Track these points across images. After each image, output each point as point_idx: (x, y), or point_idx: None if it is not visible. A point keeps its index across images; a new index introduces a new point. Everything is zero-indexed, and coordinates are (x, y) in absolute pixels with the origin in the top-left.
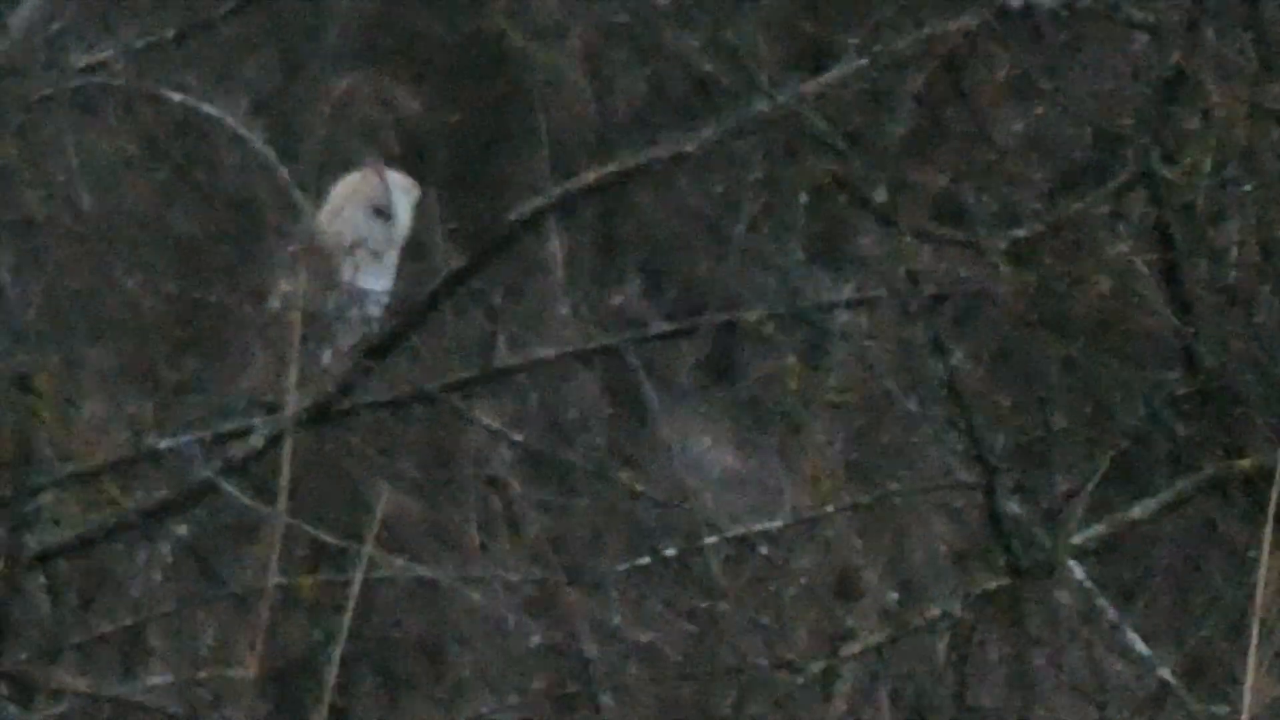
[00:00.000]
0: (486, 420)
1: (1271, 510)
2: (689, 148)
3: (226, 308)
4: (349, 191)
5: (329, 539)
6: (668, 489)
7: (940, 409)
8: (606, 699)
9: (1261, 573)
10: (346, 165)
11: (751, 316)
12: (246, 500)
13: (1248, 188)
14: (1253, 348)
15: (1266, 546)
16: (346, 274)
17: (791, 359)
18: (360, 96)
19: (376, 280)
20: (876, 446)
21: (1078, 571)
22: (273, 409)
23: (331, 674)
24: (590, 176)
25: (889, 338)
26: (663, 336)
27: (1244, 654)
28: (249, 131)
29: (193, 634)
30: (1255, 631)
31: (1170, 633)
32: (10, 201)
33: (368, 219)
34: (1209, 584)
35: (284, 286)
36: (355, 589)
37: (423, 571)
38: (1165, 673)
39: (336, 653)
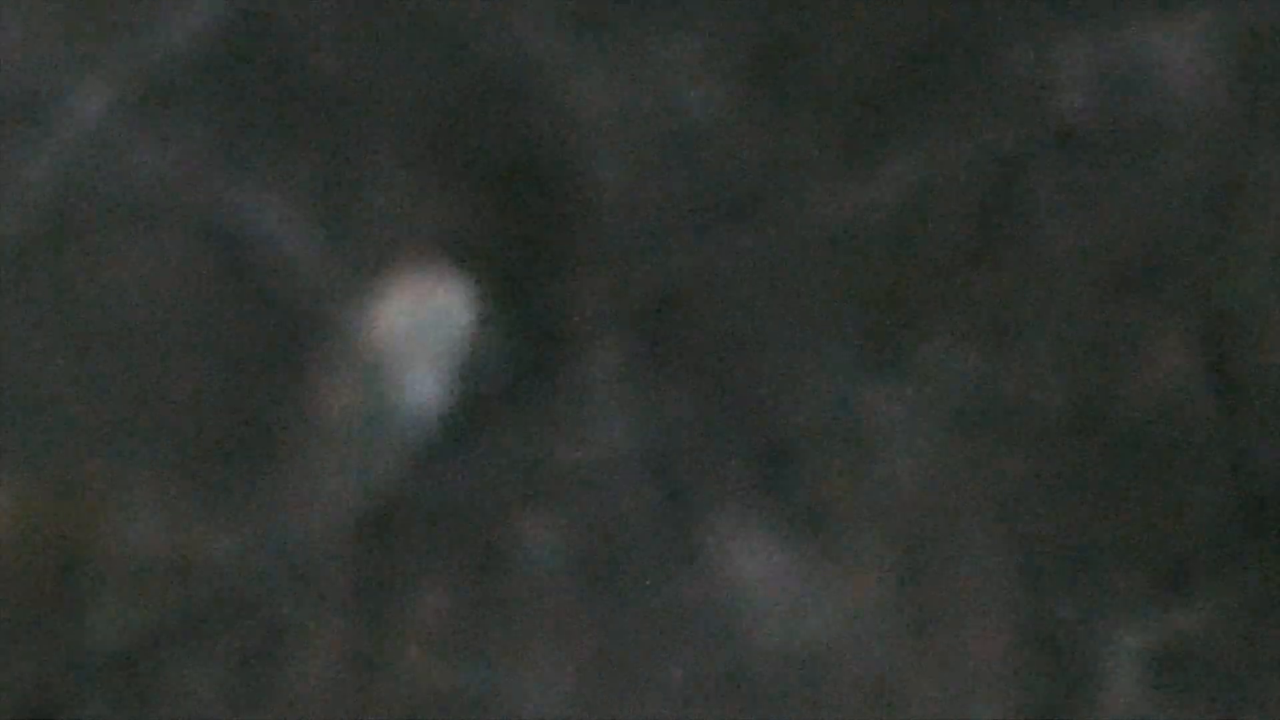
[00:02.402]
0: (537, 527)
1: None
2: (741, 256)
3: (280, 412)
4: (403, 297)
5: (378, 645)
6: (718, 597)
7: (991, 518)
8: None
9: None
10: (400, 271)
11: (803, 424)
12: (299, 607)
13: None
14: None
15: None
16: (400, 380)
17: (839, 468)
18: (416, 197)
19: (430, 387)
20: (927, 556)
21: (1130, 682)
22: (326, 514)
23: None
24: (643, 285)
25: (941, 447)
26: (713, 445)
27: None
28: (301, 235)
29: None
30: None
31: None
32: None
33: (420, 325)
34: (1264, 695)
35: (338, 394)
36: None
37: (471, 679)
38: None
39: None
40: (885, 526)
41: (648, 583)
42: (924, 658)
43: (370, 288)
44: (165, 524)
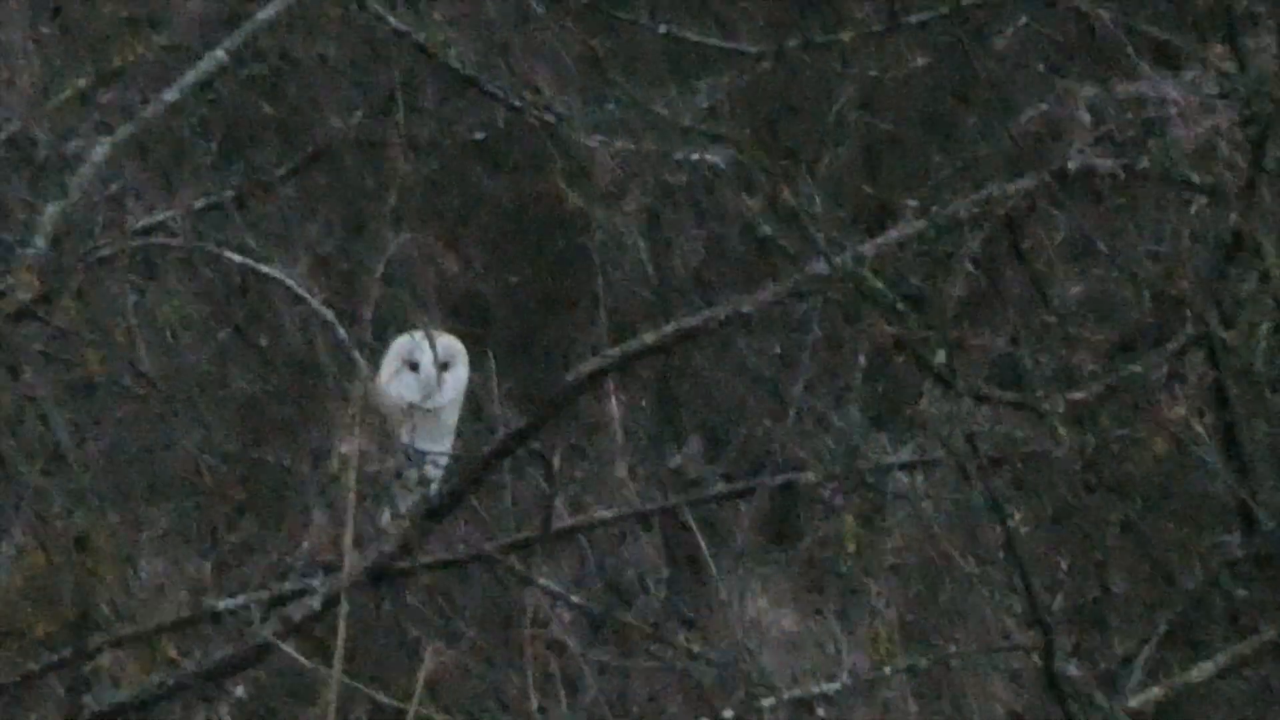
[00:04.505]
0: (545, 581)
1: None
2: (747, 309)
3: (285, 468)
4: (405, 352)
5: (385, 700)
6: (726, 650)
7: (998, 571)
8: None
9: None
10: (405, 326)
11: (810, 478)
12: (304, 661)
13: None
14: None
15: None
16: (404, 435)
17: (850, 520)
18: (419, 257)
19: (434, 441)
20: (934, 608)
21: None
22: (331, 570)
23: None
24: (649, 338)
25: (947, 499)
26: (721, 498)
27: None
28: (308, 292)
29: None
30: None
31: None
32: (70, 362)
33: (425, 382)
34: None
35: (342, 447)
36: None
37: None
38: None
39: None
40: (894, 578)
41: (656, 633)
42: (933, 708)
43: (378, 342)
44: (173, 576)
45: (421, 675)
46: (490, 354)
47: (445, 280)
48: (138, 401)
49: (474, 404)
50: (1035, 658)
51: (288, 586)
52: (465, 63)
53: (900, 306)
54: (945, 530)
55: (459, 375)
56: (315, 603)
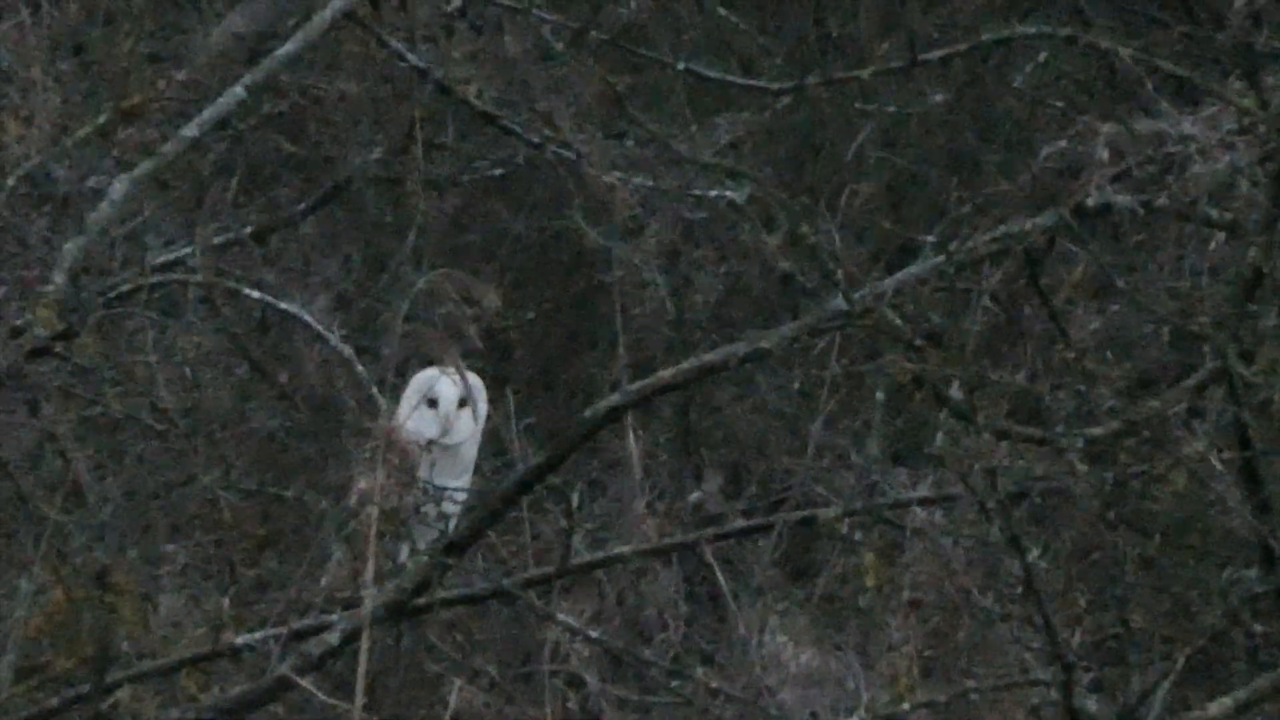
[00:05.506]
0: (564, 617)
1: None
2: (767, 345)
3: (305, 504)
4: (425, 388)
5: None
6: (745, 686)
7: (1017, 606)
8: None
9: None
10: (425, 363)
11: (829, 514)
12: (324, 697)
13: None
14: None
15: None
16: (424, 471)
17: (869, 556)
18: (439, 294)
19: (453, 477)
20: (954, 644)
21: None
22: (350, 606)
23: None
24: (668, 374)
25: (966, 535)
26: (740, 533)
27: None
28: (328, 329)
29: None
30: None
31: None
32: (90, 398)
33: (432, 413)
34: None
35: (362, 483)
36: None
37: None
38: None
39: None
40: (913, 613)
41: (675, 669)
42: None
43: (398, 379)
44: (192, 612)
45: (449, 713)
46: (510, 390)
47: (465, 316)
48: (157, 438)
49: (493, 440)
50: (1055, 693)
51: (307, 622)
52: (485, 100)
53: (919, 343)
54: (964, 566)
55: (478, 411)
56: (334, 639)
